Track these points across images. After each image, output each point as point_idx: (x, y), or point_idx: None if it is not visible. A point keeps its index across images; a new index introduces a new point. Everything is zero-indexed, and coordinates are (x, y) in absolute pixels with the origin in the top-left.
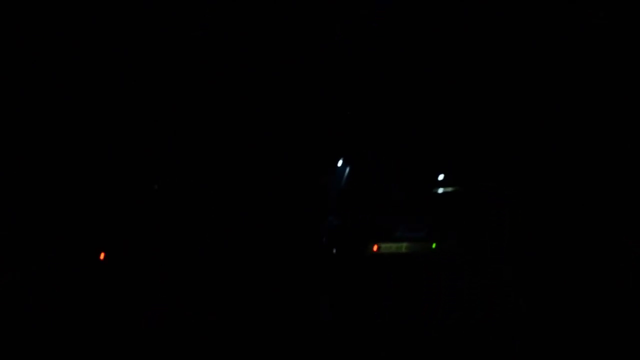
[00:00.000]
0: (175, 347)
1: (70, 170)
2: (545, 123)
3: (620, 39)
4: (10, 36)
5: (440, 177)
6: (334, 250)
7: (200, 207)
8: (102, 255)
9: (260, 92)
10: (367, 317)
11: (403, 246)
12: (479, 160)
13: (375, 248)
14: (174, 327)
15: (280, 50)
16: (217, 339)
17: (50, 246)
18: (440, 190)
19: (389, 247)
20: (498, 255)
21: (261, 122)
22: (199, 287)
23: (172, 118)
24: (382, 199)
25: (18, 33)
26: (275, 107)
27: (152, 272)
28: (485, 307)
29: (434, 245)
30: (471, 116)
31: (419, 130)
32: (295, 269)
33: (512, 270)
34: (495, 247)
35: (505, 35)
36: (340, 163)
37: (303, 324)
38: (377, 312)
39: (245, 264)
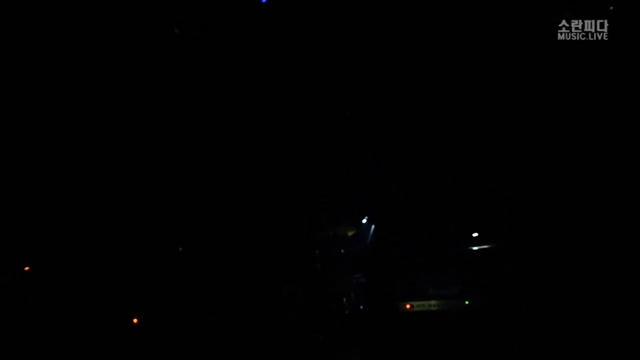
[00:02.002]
0: (175, 347)
1: (70, 171)
2: (545, 123)
3: (620, 39)
4: (10, 36)
5: (474, 234)
6: (361, 307)
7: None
8: None
9: (261, 92)
10: None
11: (434, 304)
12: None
13: (408, 306)
14: (174, 327)
15: (280, 50)
16: (217, 339)
17: (50, 246)
18: (474, 248)
19: (421, 305)
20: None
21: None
22: (198, 287)
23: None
24: (409, 257)
25: (18, 33)
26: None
27: (152, 273)
28: (486, 308)
29: (467, 302)
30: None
31: (452, 190)
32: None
33: (512, 270)
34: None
35: (505, 35)
36: (364, 220)
37: None
38: None
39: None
